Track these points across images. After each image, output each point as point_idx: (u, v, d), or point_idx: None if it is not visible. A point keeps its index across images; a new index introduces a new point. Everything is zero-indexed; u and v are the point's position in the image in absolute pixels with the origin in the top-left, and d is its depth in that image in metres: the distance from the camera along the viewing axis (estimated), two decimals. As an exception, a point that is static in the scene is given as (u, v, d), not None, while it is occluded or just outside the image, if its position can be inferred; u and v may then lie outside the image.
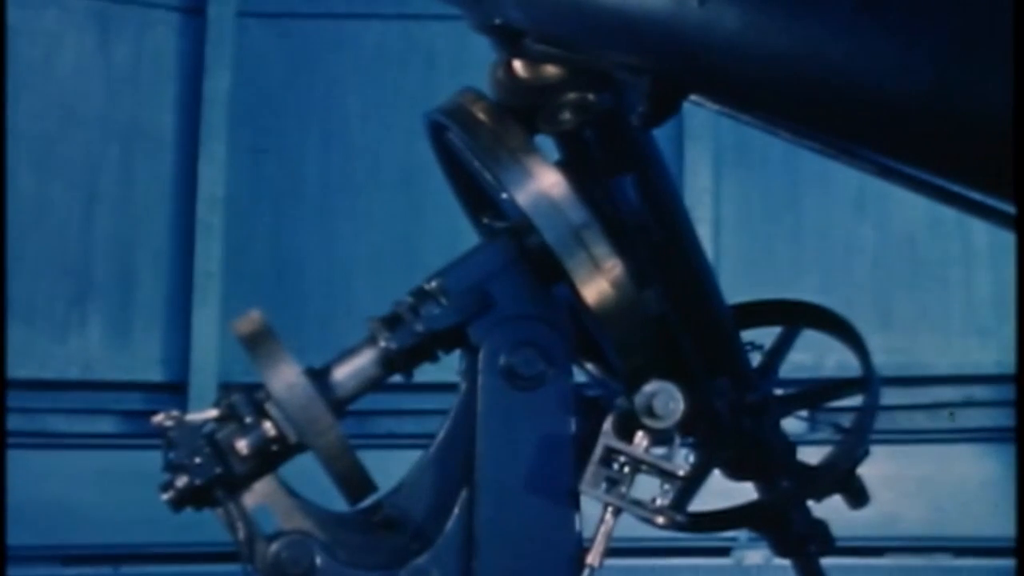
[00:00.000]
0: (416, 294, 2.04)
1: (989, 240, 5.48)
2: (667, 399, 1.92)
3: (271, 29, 5.91)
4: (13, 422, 4.99)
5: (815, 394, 2.41)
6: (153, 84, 5.82)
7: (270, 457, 1.97)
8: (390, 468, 2.02)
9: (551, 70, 2.05)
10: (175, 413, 1.95)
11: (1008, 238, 1.40)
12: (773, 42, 1.46)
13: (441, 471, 2.02)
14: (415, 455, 2.05)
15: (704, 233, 5.08)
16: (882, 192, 4.99)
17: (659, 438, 1.93)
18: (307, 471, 1.99)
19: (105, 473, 5.27)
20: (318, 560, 1.94)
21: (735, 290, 2.33)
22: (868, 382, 2.21)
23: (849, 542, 2.36)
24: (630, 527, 1.97)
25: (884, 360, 2.28)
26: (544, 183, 2.00)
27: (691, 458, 2.19)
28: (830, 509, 2.24)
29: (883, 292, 5.66)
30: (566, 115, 2.04)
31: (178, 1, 5.86)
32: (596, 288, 1.98)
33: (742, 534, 4.62)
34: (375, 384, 2.04)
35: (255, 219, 5.80)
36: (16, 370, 5.15)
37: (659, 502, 1.93)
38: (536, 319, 2.01)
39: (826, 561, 2.27)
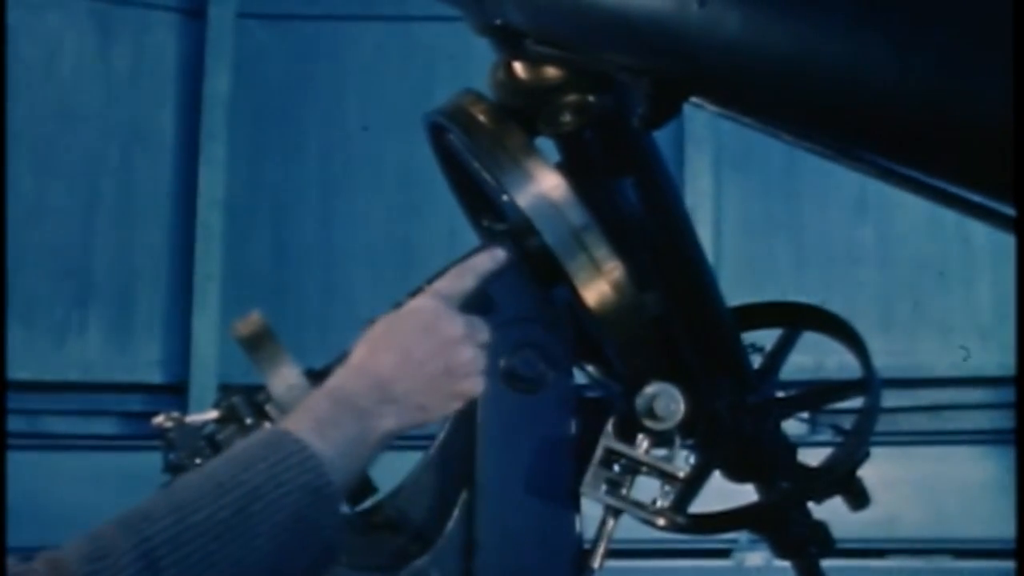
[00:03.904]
0: (416, 295, 2.04)
1: (989, 243, 5.49)
2: (668, 401, 1.92)
3: (271, 30, 5.92)
4: (13, 423, 4.99)
5: (816, 396, 2.40)
6: (153, 85, 5.83)
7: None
8: (390, 470, 2.02)
9: (552, 72, 2.05)
10: (175, 414, 1.95)
11: (1008, 241, 1.40)
12: (774, 43, 1.46)
13: (441, 473, 2.02)
14: (415, 457, 2.05)
15: (705, 235, 5.07)
16: (883, 194, 4.99)
17: (660, 440, 1.93)
18: (307, 473, 1.98)
19: (105, 474, 5.27)
20: (318, 562, 1.93)
21: (736, 292, 2.33)
22: (869, 384, 2.21)
23: (850, 544, 2.36)
24: (631, 528, 1.97)
25: (885, 362, 2.28)
26: (544, 185, 2.00)
27: (692, 460, 2.19)
28: (830, 511, 2.23)
29: (884, 294, 5.67)
30: (567, 117, 2.04)
31: (178, 2, 5.87)
32: (596, 290, 1.98)
33: (743, 536, 4.62)
34: (376, 386, 2.03)
35: (255, 221, 5.81)
36: (16, 371, 5.16)
37: (660, 504, 1.93)
38: (536, 321, 2.01)
39: (826, 563, 2.27)
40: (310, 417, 1.65)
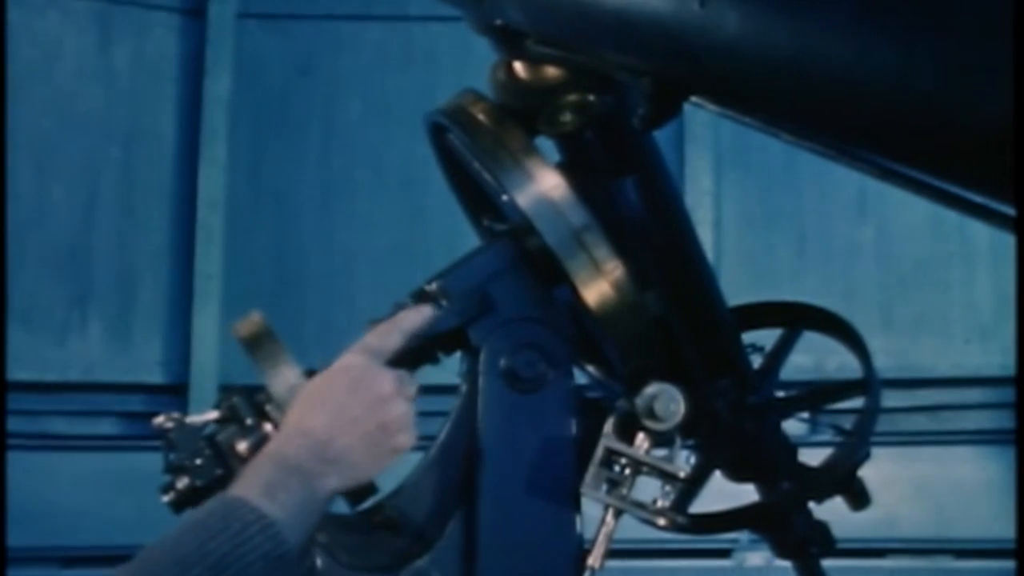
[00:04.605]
0: (416, 296, 2.04)
1: (989, 242, 5.49)
2: (668, 401, 1.92)
3: (272, 31, 5.92)
4: (14, 424, 5.00)
5: (816, 396, 2.40)
6: (153, 86, 5.82)
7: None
8: (391, 470, 2.02)
9: (552, 72, 2.05)
10: (176, 415, 1.95)
11: (1008, 240, 1.40)
12: (774, 43, 1.46)
13: (442, 473, 2.02)
14: (416, 457, 2.05)
15: (705, 235, 5.09)
16: (882, 194, 5.00)
17: (660, 440, 1.93)
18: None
19: (106, 475, 5.27)
20: (318, 562, 1.93)
21: (736, 292, 2.33)
22: (869, 384, 2.21)
23: (850, 544, 2.36)
24: (631, 528, 1.97)
25: (885, 362, 2.28)
26: (545, 185, 2.00)
27: (692, 460, 2.19)
28: (831, 511, 2.23)
29: (884, 294, 5.67)
30: (567, 117, 2.04)
31: (178, 3, 5.87)
32: (597, 290, 1.98)
33: (743, 536, 4.62)
34: (376, 386, 2.03)
35: (255, 221, 5.81)
36: (16, 372, 5.16)
37: (660, 503, 1.93)
38: (537, 321, 2.01)
39: (827, 563, 2.27)
40: (259, 483, 1.70)
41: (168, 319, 5.70)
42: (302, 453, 1.74)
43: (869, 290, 5.64)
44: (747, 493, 2.28)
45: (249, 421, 1.94)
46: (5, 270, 5.12)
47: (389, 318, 2.01)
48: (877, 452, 2.21)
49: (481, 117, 2.06)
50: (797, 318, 2.35)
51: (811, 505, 2.25)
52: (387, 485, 2.02)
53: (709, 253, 2.41)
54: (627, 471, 1.92)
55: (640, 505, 1.93)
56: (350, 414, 1.78)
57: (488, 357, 1.99)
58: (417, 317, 1.94)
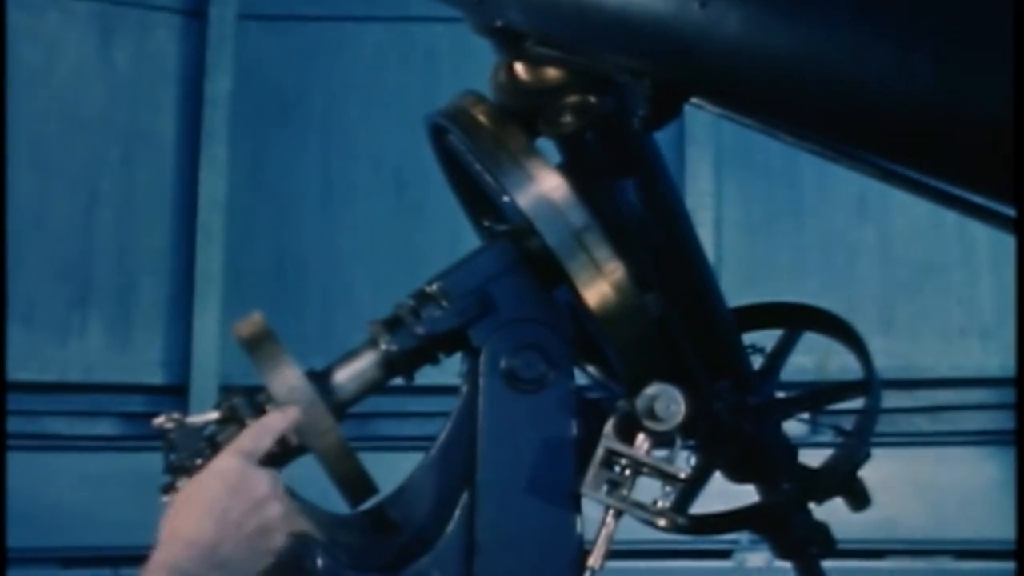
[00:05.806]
0: (417, 297, 2.04)
1: (990, 243, 5.49)
2: (668, 402, 1.92)
3: (272, 32, 5.92)
4: (14, 424, 4.99)
5: (816, 397, 2.41)
6: (154, 87, 5.82)
7: (271, 459, 1.97)
8: (391, 470, 2.02)
9: (552, 73, 2.05)
10: (176, 415, 1.95)
11: (1009, 241, 1.40)
12: (774, 44, 1.46)
13: (442, 473, 2.02)
14: (416, 457, 2.06)
15: (705, 236, 5.07)
16: (883, 195, 4.99)
17: (660, 440, 1.93)
18: (308, 473, 1.99)
19: (106, 475, 5.27)
20: (319, 562, 1.94)
21: (736, 293, 2.33)
22: (869, 385, 2.21)
23: (850, 545, 2.36)
24: (631, 529, 1.97)
25: (885, 363, 2.28)
26: (545, 186, 2.00)
27: (692, 460, 2.19)
28: (831, 512, 2.24)
29: (884, 295, 5.67)
30: (567, 118, 2.04)
31: (179, 3, 5.87)
32: (597, 291, 1.98)
33: (743, 536, 4.63)
34: (376, 386, 2.04)
35: (256, 222, 5.81)
36: (17, 372, 5.16)
37: (660, 504, 1.93)
38: (537, 322, 2.01)
39: (827, 564, 2.27)
40: None
41: (168, 319, 5.70)
42: (193, 561, 1.80)
43: (869, 291, 5.64)
44: (747, 494, 2.28)
45: (250, 422, 1.95)
46: (5, 270, 5.12)
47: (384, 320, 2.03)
48: (877, 453, 2.21)
49: (482, 118, 2.07)
50: (797, 319, 2.35)
51: (811, 506, 2.25)
52: (387, 485, 2.02)
53: (710, 254, 2.41)
54: (627, 472, 1.93)
55: (640, 506, 1.93)
56: (232, 518, 1.82)
57: (488, 358, 1.99)
58: (283, 420, 1.94)
